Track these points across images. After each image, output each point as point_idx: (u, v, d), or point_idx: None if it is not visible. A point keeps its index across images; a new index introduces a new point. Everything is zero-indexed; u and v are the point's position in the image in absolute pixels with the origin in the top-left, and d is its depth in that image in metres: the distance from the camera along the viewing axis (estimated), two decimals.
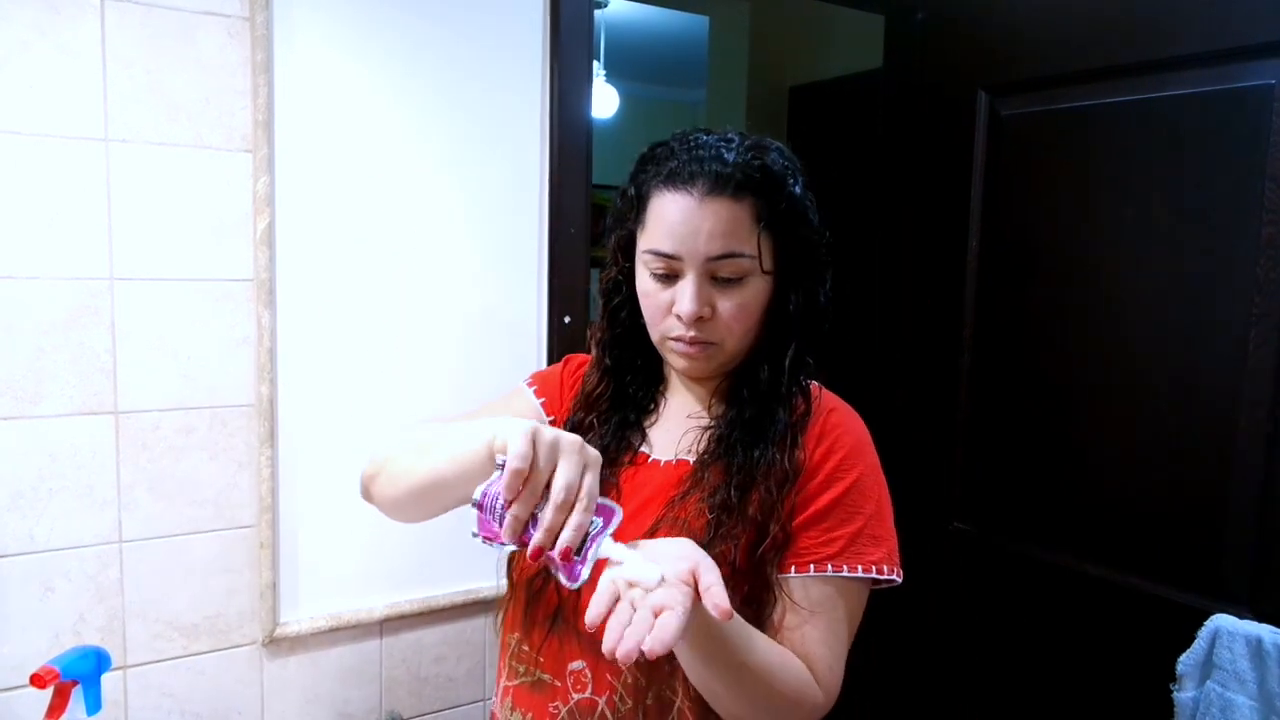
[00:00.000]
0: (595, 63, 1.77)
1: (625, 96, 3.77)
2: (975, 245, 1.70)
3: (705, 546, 0.81)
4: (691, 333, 0.91)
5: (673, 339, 0.93)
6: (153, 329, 1.27)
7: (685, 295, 0.90)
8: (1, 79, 1.15)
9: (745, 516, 0.90)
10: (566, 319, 1.57)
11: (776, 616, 0.90)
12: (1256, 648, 1.26)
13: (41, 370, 1.20)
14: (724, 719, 0.87)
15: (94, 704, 1.12)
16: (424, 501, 0.91)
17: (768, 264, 0.91)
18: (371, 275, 1.41)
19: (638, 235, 0.95)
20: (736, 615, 0.78)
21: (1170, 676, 1.35)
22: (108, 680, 1.21)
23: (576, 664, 0.94)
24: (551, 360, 1.56)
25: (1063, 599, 1.56)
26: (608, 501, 0.77)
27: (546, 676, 0.95)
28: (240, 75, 1.29)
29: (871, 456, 0.97)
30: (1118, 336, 1.47)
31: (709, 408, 1.00)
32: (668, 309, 0.92)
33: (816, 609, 0.89)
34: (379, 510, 0.99)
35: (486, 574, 1.53)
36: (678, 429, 1.00)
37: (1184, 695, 1.34)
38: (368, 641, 1.47)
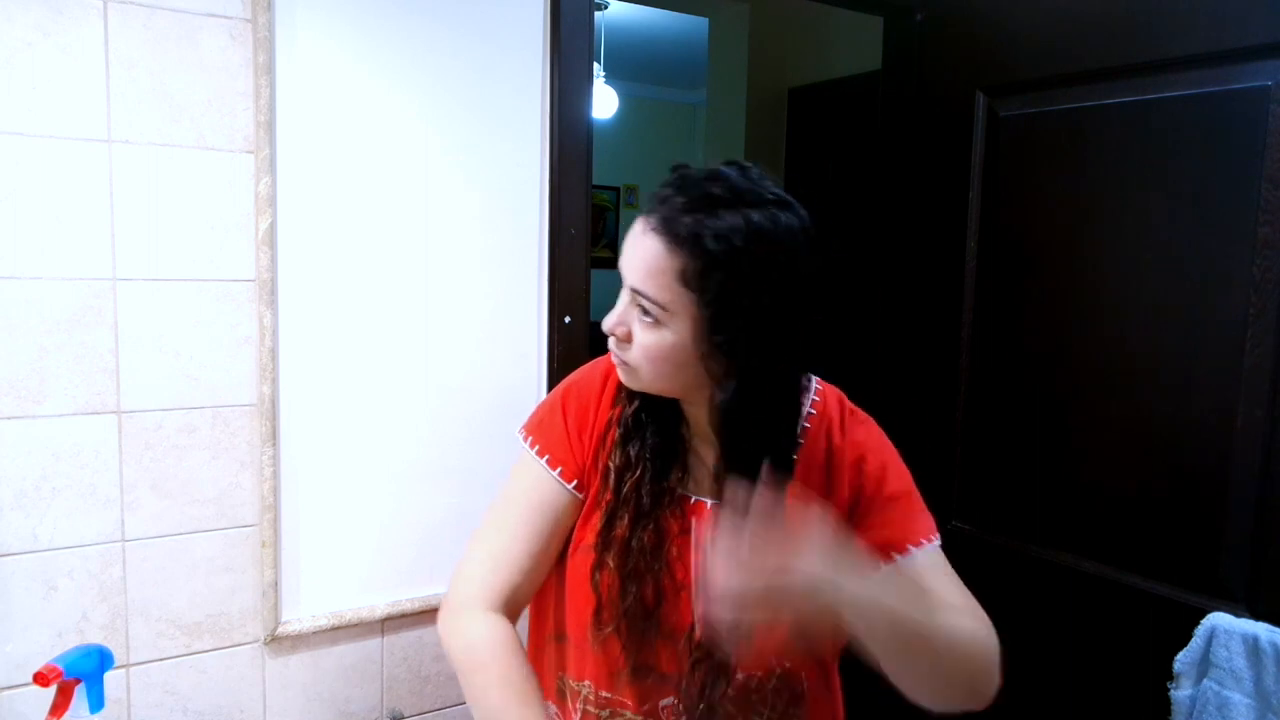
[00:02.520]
0: (595, 64, 1.78)
1: (625, 97, 3.78)
2: (974, 246, 1.71)
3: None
4: (612, 344, 0.93)
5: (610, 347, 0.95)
6: (155, 329, 1.27)
7: (613, 309, 0.92)
8: (5, 80, 1.15)
9: None
10: (567, 319, 1.58)
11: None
12: (1253, 646, 1.26)
13: (45, 370, 1.21)
14: (920, 694, 0.88)
15: (97, 702, 1.12)
16: None
17: (685, 328, 0.87)
18: (372, 275, 1.42)
19: None
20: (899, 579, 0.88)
21: (1167, 674, 1.35)
22: (110, 678, 1.22)
23: (667, 700, 0.97)
24: (552, 360, 1.56)
25: (1061, 597, 1.57)
26: None
27: (638, 717, 0.98)
28: (242, 77, 1.29)
29: (878, 439, 1.01)
30: (1115, 336, 1.48)
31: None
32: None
33: (924, 576, 0.94)
34: None
35: None
36: (707, 460, 0.99)
37: (1181, 693, 1.34)
38: (369, 640, 1.48)
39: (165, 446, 1.29)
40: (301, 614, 1.41)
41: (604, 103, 3.68)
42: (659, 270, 0.86)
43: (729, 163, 0.90)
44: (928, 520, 0.98)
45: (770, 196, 0.87)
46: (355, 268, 1.41)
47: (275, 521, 1.37)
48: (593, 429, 1.01)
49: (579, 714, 1.01)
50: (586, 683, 1.00)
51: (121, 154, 1.23)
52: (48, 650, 1.22)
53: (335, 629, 1.43)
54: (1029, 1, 1.60)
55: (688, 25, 4.31)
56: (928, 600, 0.89)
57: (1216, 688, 1.29)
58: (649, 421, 0.98)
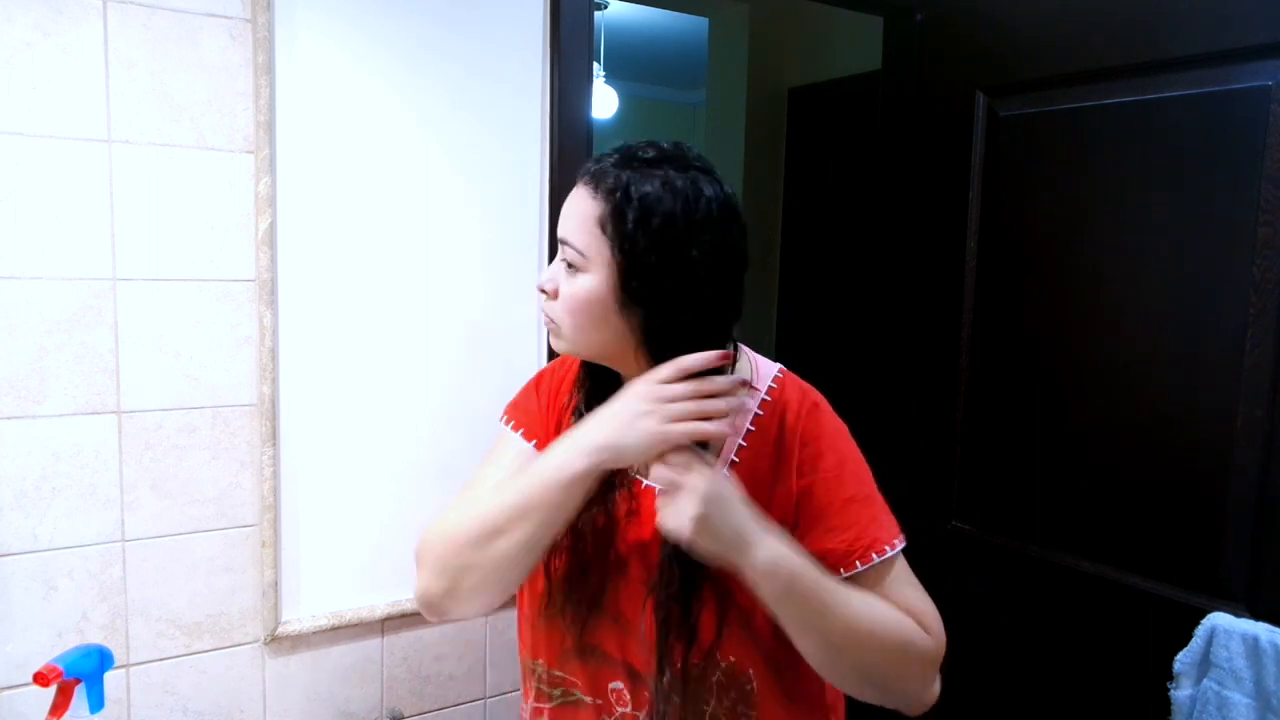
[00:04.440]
0: (595, 64, 1.78)
1: (625, 97, 3.78)
2: (974, 246, 1.71)
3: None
4: (544, 305, 0.96)
5: None
6: (155, 329, 1.27)
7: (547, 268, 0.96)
8: (5, 80, 1.15)
9: None
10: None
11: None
12: (1253, 646, 1.26)
13: (45, 370, 1.21)
14: (832, 678, 0.93)
15: (97, 702, 1.13)
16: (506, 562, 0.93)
17: (598, 276, 0.90)
18: (373, 275, 1.42)
19: None
20: (814, 566, 0.88)
21: (1167, 675, 1.35)
22: (110, 679, 1.22)
23: (615, 684, 0.98)
24: (551, 360, 1.56)
25: (1061, 597, 1.57)
26: None
27: (587, 698, 0.99)
28: (242, 77, 1.29)
29: (836, 435, 0.99)
30: (1115, 336, 1.48)
31: None
32: None
33: (881, 586, 0.94)
34: (451, 605, 0.98)
35: None
36: None
37: (1181, 693, 1.34)
38: (369, 640, 1.48)
39: (165, 446, 1.29)
40: (301, 614, 1.41)
41: (604, 103, 3.68)
42: (582, 216, 0.91)
43: (672, 142, 0.95)
44: (890, 525, 0.97)
45: (696, 164, 0.91)
46: (355, 268, 1.41)
47: (275, 521, 1.37)
48: (558, 410, 1.06)
49: (534, 692, 1.04)
50: (540, 661, 1.03)
51: (121, 154, 1.23)
52: (48, 650, 1.22)
53: (335, 629, 1.43)
54: (1029, 1, 1.60)
55: (688, 25, 4.31)
56: (848, 588, 0.91)
57: (1216, 688, 1.29)
58: (599, 403, 0.99)
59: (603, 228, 0.89)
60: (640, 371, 0.92)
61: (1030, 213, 1.62)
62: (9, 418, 1.19)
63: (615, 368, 0.98)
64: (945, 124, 1.75)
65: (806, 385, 1.03)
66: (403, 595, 1.49)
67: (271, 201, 1.32)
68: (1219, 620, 1.30)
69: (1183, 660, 1.34)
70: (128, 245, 1.24)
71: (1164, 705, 1.36)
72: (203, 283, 1.30)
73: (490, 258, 1.52)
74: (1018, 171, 1.64)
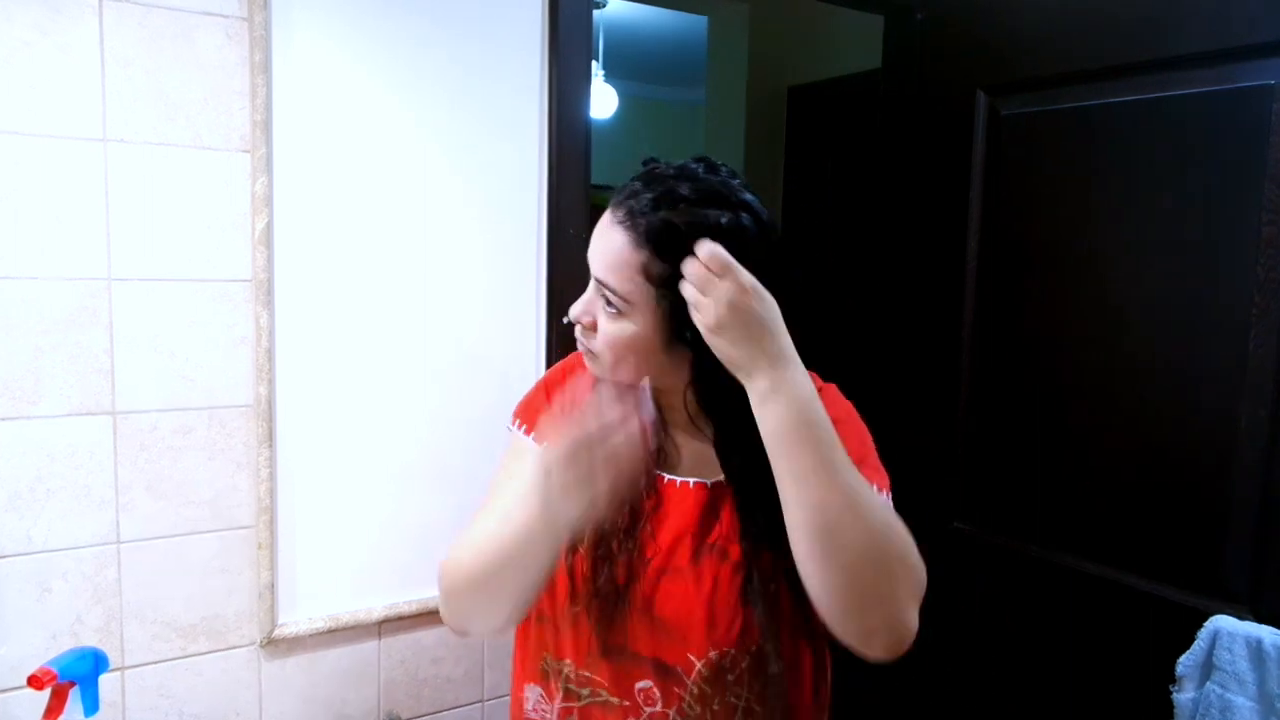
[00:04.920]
0: (594, 63, 1.77)
1: (624, 97, 3.77)
2: (974, 245, 1.70)
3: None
4: (578, 333, 0.96)
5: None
6: (151, 329, 1.26)
7: (580, 298, 0.95)
8: (1, 79, 1.15)
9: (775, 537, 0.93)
10: (565, 319, 1.57)
11: None
12: (1256, 649, 1.26)
13: (39, 370, 1.20)
14: (819, 572, 0.83)
15: (91, 705, 1.12)
16: (503, 580, 0.92)
17: (648, 320, 0.89)
18: (370, 275, 1.41)
19: None
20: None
21: (1170, 677, 1.35)
22: (105, 681, 1.21)
23: (644, 683, 0.98)
24: (550, 360, 1.56)
25: (1063, 599, 1.56)
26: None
27: (614, 699, 0.99)
28: (239, 75, 1.28)
29: (841, 405, 1.03)
30: (1117, 336, 1.47)
31: (693, 427, 1.00)
32: None
33: None
34: (472, 634, 1.02)
35: None
36: (678, 439, 1.02)
37: (1183, 696, 1.33)
38: (366, 642, 1.47)
39: (161, 448, 1.28)
40: (298, 616, 1.40)
41: (603, 102, 3.66)
42: (622, 263, 0.88)
43: (698, 159, 0.93)
44: (883, 478, 0.98)
45: (735, 200, 0.89)
46: (352, 268, 1.40)
47: (271, 523, 1.36)
48: (577, 407, 1.03)
49: (561, 692, 1.03)
50: (567, 661, 1.02)
51: (117, 153, 1.22)
52: (42, 653, 1.21)
53: (332, 631, 1.42)
54: (1031, 0, 1.60)
55: (687, 24, 4.30)
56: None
57: (1219, 691, 1.29)
58: None
59: (647, 276, 0.87)
60: (686, 401, 0.95)
61: (1032, 212, 1.61)
62: (3, 419, 1.19)
63: (658, 388, 0.96)
64: (946, 123, 1.75)
65: (822, 384, 1.04)
66: (400, 598, 1.48)
67: (268, 201, 1.31)
68: (1222, 623, 1.30)
69: (1185, 663, 1.33)
70: (123, 245, 1.23)
71: (1166, 708, 1.36)
72: (199, 283, 1.29)
73: (489, 258, 1.51)
74: (1019, 171, 1.63)
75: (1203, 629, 1.32)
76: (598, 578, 0.98)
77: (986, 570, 1.71)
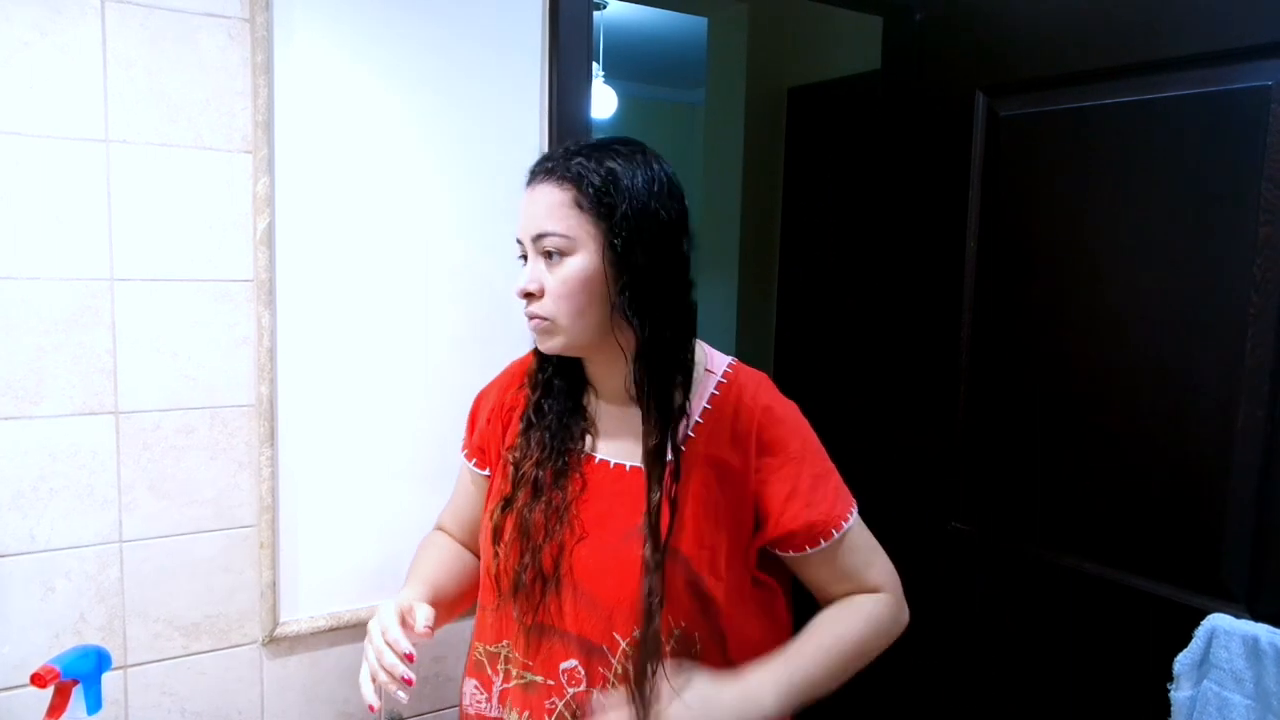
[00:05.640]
0: (594, 64, 1.78)
1: (624, 97, 3.78)
2: (973, 246, 1.70)
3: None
4: (529, 309, 1.01)
5: (526, 316, 1.02)
6: (153, 329, 1.27)
7: (521, 273, 1.01)
8: (3, 80, 1.15)
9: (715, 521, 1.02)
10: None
11: (816, 584, 1.08)
12: (1253, 647, 1.26)
13: (42, 370, 1.20)
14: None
15: (94, 703, 1.12)
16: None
17: (592, 248, 0.97)
18: (371, 275, 1.42)
19: None
20: (804, 643, 1.03)
21: (1167, 675, 1.35)
22: (108, 680, 1.21)
23: (568, 663, 1.01)
24: None
25: (1061, 598, 1.57)
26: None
27: (539, 678, 1.03)
28: (240, 76, 1.29)
29: (803, 420, 1.08)
30: (1115, 336, 1.48)
31: (626, 399, 1.06)
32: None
33: (838, 557, 1.05)
34: None
35: None
36: (612, 424, 1.08)
37: (1181, 695, 1.34)
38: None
39: (163, 447, 1.29)
40: (300, 615, 1.41)
41: (603, 102, 3.67)
42: (556, 204, 0.97)
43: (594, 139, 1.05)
44: (846, 496, 1.07)
45: (636, 146, 1.01)
46: (354, 268, 1.40)
47: (273, 522, 1.36)
48: (495, 411, 1.17)
49: (501, 675, 1.08)
50: (505, 642, 1.08)
51: (119, 154, 1.23)
52: (45, 651, 1.22)
53: (334, 630, 1.43)
54: (1029, 1, 1.60)
55: (687, 25, 4.31)
56: (825, 635, 1.04)
57: (1216, 689, 1.29)
58: (554, 395, 1.09)
59: (579, 206, 0.97)
60: (622, 347, 1.00)
61: (1030, 213, 1.62)
62: (6, 418, 1.19)
63: (595, 353, 1.04)
64: (945, 124, 1.75)
65: (758, 373, 1.10)
66: None
67: (270, 201, 1.32)
68: (1219, 621, 1.30)
69: (1183, 661, 1.33)
70: (125, 245, 1.24)
71: (1164, 706, 1.36)
72: (201, 283, 1.30)
73: (489, 257, 1.52)
74: (1018, 172, 1.64)
75: (1200, 627, 1.32)
76: (522, 568, 1.04)
77: (985, 570, 1.71)
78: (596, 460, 1.06)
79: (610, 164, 0.97)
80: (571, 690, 1.01)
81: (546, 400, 1.09)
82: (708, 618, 1.02)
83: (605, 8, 4.00)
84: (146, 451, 1.28)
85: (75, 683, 1.10)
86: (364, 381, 1.43)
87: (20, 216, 1.17)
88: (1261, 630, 1.26)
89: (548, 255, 0.99)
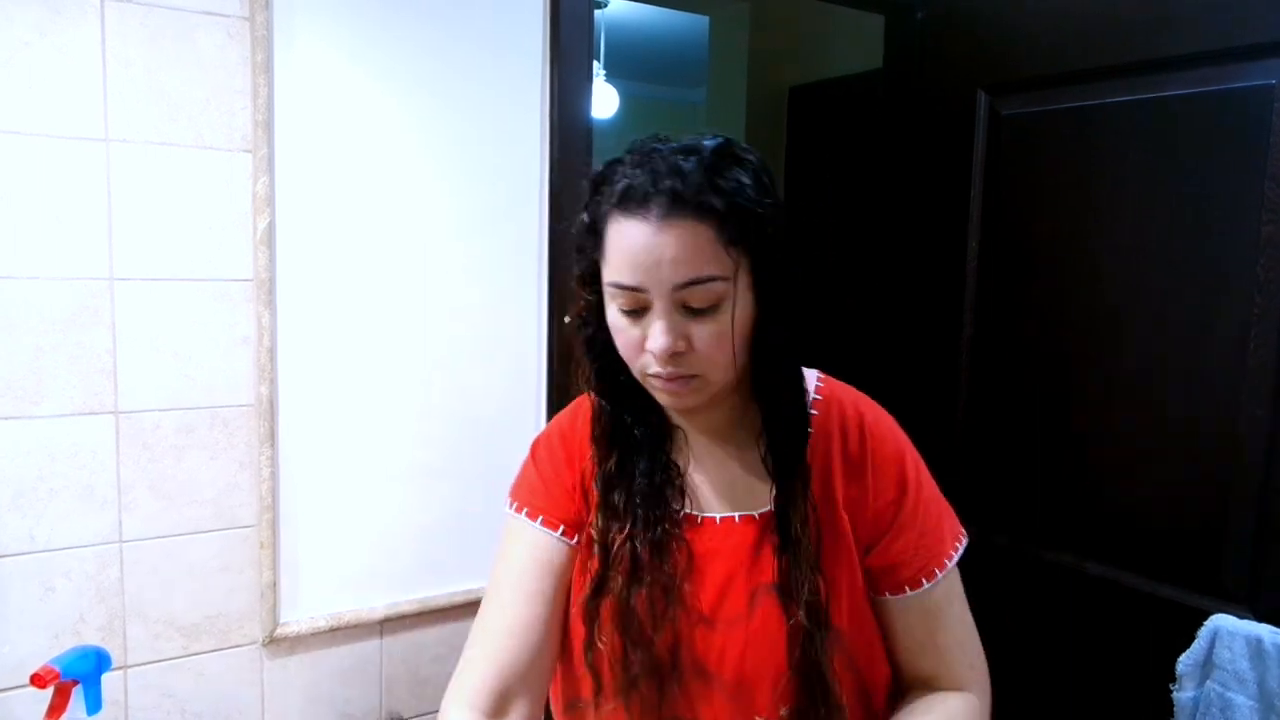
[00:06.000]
0: (595, 63, 1.78)
1: (625, 96, 3.78)
2: (975, 245, 1.70)
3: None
4: (669, 369, 0.81)
5: (652, 376, 0.83)
6: (153, 329, 1.27)
7: (655, 331, 0.79)
8: (2, 79, 1.15)
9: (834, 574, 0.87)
10: (566, 319, 1.57)
11: (903, 645, 0.92)
12: (1256, 648, 1.26)
13: (42, 370, 1.20)
14: None
15: (94, 704, 1.12)
16: None
17: (743, 284, 0.81)
18: (371, 275, 1.42)
19: (600, 264, 0.84)
20: None
21: (1170, 676, 1.35)
22: (108, 680, 1.21)
23: None
24: (551, 360, 1.56)
25: (1063, 599, 1.56)
26: None
27: None
28: (240, 75, 1.29)
29: (906, 440, 0.96)
30: (1117, 336, 1.47)
31: (741, 442, 0.91)
32: (640, 345, 0.82)
33: (938, 614, 0.90)
34: None
35: (485, 574, 1.53)
36: (718, 475, 0.92)
37: (1184, 695, 1.33)
38: (368, 641, 1.47)
39: (163, 447, 1.29)
40: (300, 615, 1.41)
41: (604, 102, 3.67)
42: (701, 244, 0.78)
43: (642, 138, 0.85)
44: (954, 524, 0.93)
45: (719, 136, 0.84)
46: (354, 267, 1.40)
47: (273, 522, 1.36)
48: (571, 472, 0.94)
49: None
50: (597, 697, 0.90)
51: (119, 153, 1.22)
52: (45, 652, 1.21)
53: (334, 630, 1.43)
54: (1031, 0, 1.60)
55: (688, 23, 4.30)
56: None
57: (1219, 689, 1.29)
58: (636, 448, 0.90)
59: (727, 241, 0.78)
60: (733, 405, 0.89)
61: (1032, 212, 1.61)
62: (6, 418, 1.19)
63: (692, 411, 0.89)
64: (946, 123, 1.75)
65: (855, 391, 0.98)
66: (401, 597, 1.48)
67: (269, 201, 1.31)
68: (1222, 622, 1.30)
69: (1185, 662, 1.33)
70: (125, 245, 1.24)
71: (1166, 707, 1.36)
72: (200, 282, 1.29)
73: (490, 257, 1.51)
74: (1020, 171, 1.63)
75: (1203, 628, 1.31)
76: (630, 667, 0.86)
77: (986, 570, 1.70)
78: (700, 520, 0.90)
79: (737, 176, 0.80)
80: None
81: (628, 458, 0.90)
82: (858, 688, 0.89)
83: (606, 6, 3.99)
84: (146, 451, 1.28)
85: (75, 683, 1.10)
86: (364, 381, 1.42)
87: (20, 216, 1.17)
88: (1264, 631, 1.26)
89: (691, 309, 0.80)
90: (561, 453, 0.95)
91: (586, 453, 0.93)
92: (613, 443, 0.90)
